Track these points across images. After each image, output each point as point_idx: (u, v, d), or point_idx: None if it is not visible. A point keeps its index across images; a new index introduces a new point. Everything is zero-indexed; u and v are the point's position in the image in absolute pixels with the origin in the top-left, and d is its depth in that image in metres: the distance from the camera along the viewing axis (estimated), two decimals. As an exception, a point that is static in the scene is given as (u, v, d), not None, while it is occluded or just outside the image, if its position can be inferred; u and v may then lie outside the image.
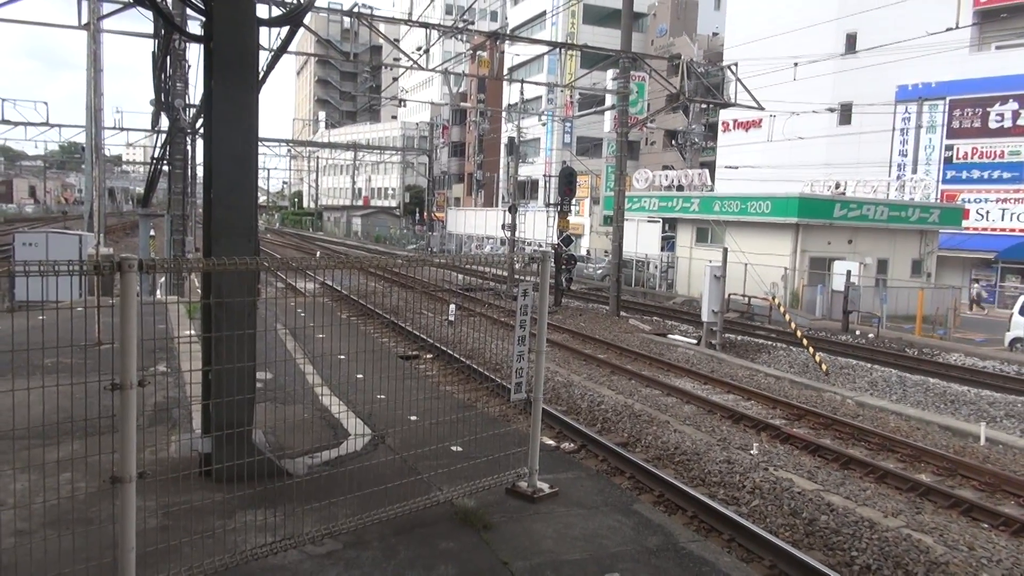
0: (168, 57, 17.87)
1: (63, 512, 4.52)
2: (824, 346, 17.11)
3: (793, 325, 16.72)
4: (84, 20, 15.73)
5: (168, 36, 16.42)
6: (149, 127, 28.79)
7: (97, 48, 16.21)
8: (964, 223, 30.17)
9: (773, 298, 19.67)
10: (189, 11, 13.35)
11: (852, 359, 16.27)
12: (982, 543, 6.82)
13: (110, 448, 3.45)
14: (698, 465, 8.54)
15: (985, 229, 32.09)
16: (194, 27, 19.49)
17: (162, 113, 19.83)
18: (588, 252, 39.12)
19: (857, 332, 19.79)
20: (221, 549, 4.01)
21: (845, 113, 36.93)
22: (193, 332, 9.35)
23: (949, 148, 33.43)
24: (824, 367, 14.79)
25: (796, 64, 24.92)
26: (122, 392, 3.33)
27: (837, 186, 29.06)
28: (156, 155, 20.99)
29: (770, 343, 18.06)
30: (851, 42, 36.84)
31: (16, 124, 36.20)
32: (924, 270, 28.11)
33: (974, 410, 12.39)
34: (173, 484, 4.70)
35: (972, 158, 32.72)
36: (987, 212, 32.21)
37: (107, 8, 16.66)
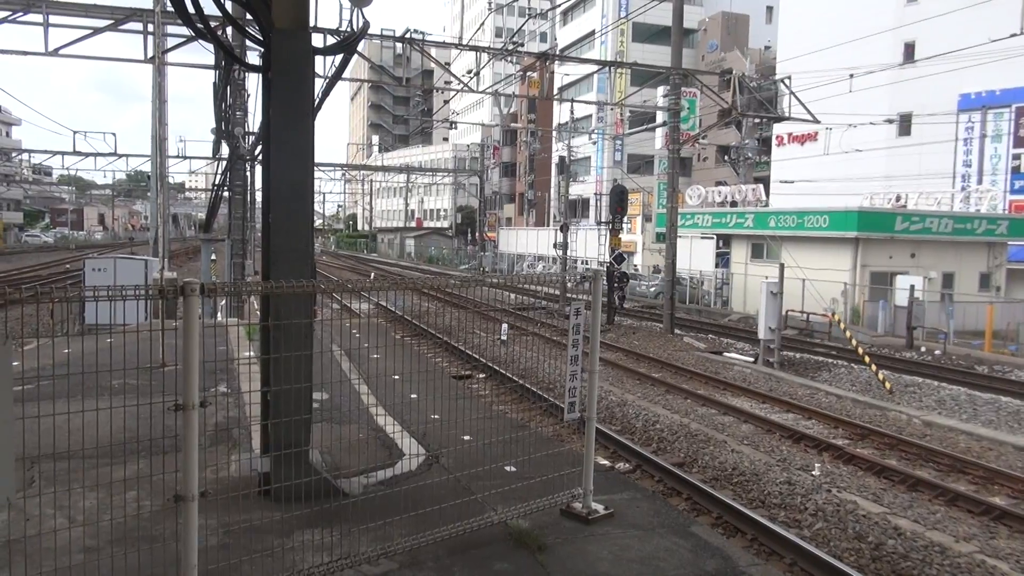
0: (228, 87, 18.48)
1: (129, 530, 4.65)
2: (887, 363, 16.58)
3: (854, 342, 16.26)
4: (150, 54, 16.40)
5: (228, 67, 17.01)
6: (210, 155, 29.78)
7: (162, 80, 16.87)
8: (1036, 234, 28.96)
9: (833, 314, 19.15)
10: (248, 42, 13.80)
11: (917, 377, 15.71)
12: (1063, 570, 6.48)
13: (173, 467, 3.55)
14: (757, 486, 8.34)
15: (1058, 240, 30.73)
16: (253, 58, 20.13)
17: (223, 141, 20.47)
18: (639, 269, 38.81)
19: (922, 349, 19.12)
20: (280, 568, 4.07)
21: (904, 124, 35.96)
22: (252, 353, 9.57)
23: (1016, 157, 32.21)
24: (888, 385, 14.32)
25: (852, 75, 24.43)
26: (185, 412, 3.42)
27: (898, 199, 28.28)
28: (217, 182, 21.65)
29: (830, 361, 17.58)
30: (909, 51, 35.94)
31: (87, 155, 37.89)
32: (993, 284, 27.05)
33: (1051, 430, 11.83)
34: (233, 503, 4.79)
35: (1042, 167, 31.48)
36: (1059, 223, 30.86)
37: (171, 42, 17.34)
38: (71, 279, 28.72)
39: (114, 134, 51.16)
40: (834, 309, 20.60)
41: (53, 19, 15.86)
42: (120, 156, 38.90)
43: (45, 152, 42.08)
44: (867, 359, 15.31)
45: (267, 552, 4.22)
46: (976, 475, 9.24)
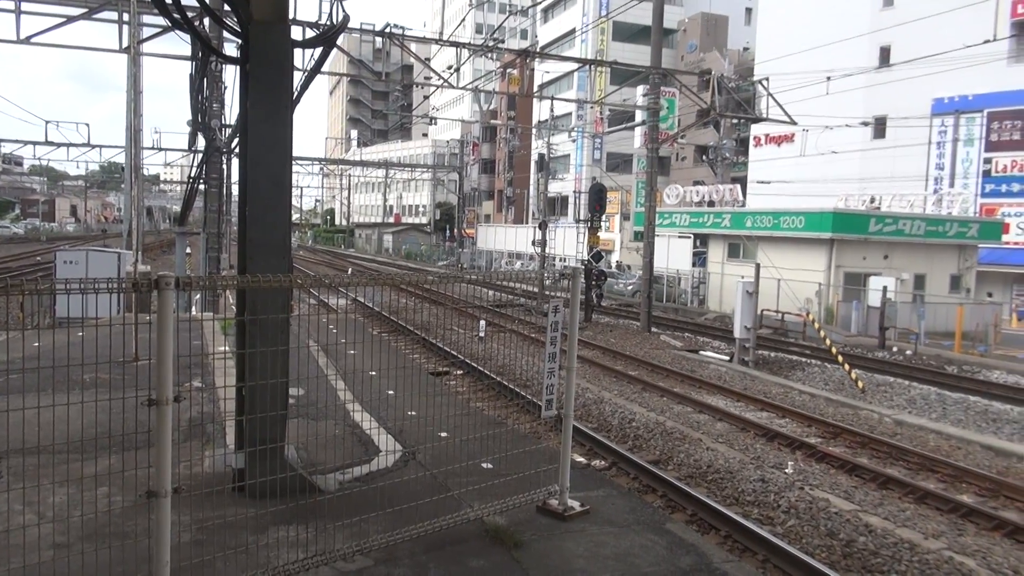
0: (205, 79, 18.24)
1: (100, 526, 4.59)
2: (860, 363, 16.81)
3: (828, 342, 16.46)
4: (125, 44, 16.16)
5: (205, 58, 16.78)
6: (186, 147, 29.45)
7: (137, 71, 16.64)
8: (1004, 237, 29.51)
9: (807, 314, 19.38)
10: (226, 34, 13.65)
11: (889, 376, 15.95)
12: (1028, 567, 6.61)
13: (146, 463, 3.50)
14: (732, 484, 8.42)
15: (1027, 243, 31.35)
16: (230, 49, 19.91)
17: (199, 133, 20.22)
18: (621, 266, 38.96)
19: (894, 349, 19.41)
20: (254, 564, 4.04)
21: (879, 127, 36.45)
22: (227, 348, 9.48)
23: (988, 161, 32.79)
24: (860, 384, 14.52)
25: (829, 78, 24.69)
26: (158, 407, 3.38)
27: (872, 201, 28.65)
28: (192, 174, 21.38)
29: (804, 360, 17.79)
30: (885, 55, 36.42)
31: (59, 145, 37.22)
32: (963, 285, 27.52)
33: (1017, 429, 12.05)
34: (207, 499, 4.75)
35: (1012, 171, 32.04)
36: (1028, 226, 31.47)
37: (147, 32, 17.10)
38: (42, 271, 28.23)
39: (87, 124, 50.53)
40: (808, 309, 20.85)
41: (25, 6, 15.60)
42: (93, 147, 38.26)
43: (16, 141, 41.20)
44: (840, 358, 15.51)
45: (241, 549, 4.18)
46: (945, 473, 9.40)
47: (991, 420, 12.57)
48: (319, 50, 6.90)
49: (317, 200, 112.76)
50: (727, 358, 17.41)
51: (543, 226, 29.01)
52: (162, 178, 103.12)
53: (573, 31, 55.73)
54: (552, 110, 41.55)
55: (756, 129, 41.32)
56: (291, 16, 5.74)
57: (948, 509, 8.09)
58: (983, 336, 21.13)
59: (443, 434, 6.93)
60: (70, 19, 16.04)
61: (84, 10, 16.03)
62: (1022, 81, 31.59)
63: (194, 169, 21.31)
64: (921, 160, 34.59)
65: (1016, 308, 30.61)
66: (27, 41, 15.73)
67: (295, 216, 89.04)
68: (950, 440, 11.10)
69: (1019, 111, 31.60)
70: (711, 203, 31.77)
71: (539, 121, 52.40)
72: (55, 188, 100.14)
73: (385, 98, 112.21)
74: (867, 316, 22.12)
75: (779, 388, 14.54)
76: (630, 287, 32.89)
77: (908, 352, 18.91)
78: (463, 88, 24.76)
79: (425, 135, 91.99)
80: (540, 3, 61.98)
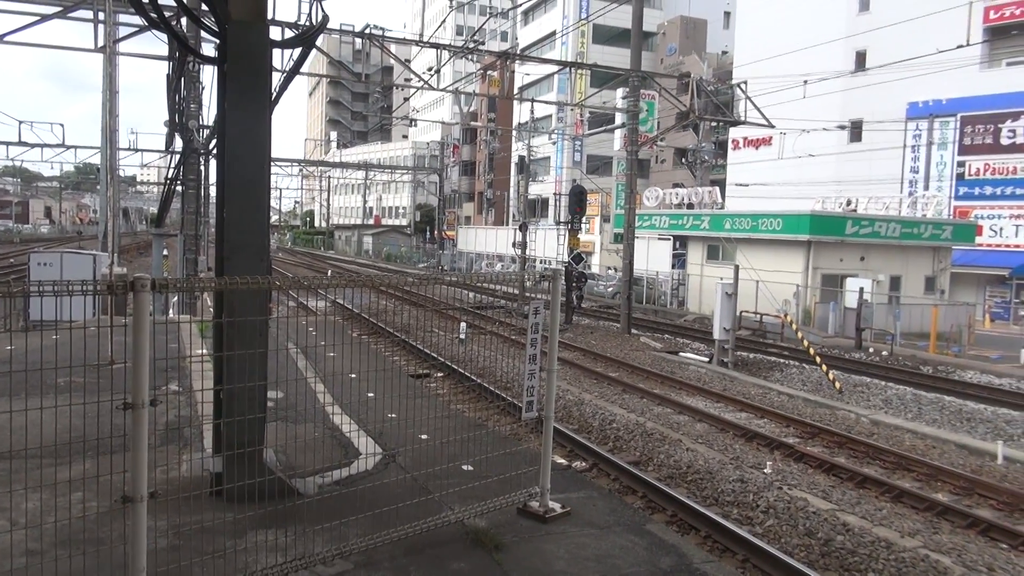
0: (182, 79, 18.07)
1: (74, 532, 4.52)
2: (837, 364, 16.98)
3: (806, 343, 16.61)
4: (100, 43, 15.95)
5: (183, 58, 16.61)
6: (163, 148, 29.11)
7: (113, 70, 16.43)
8: (977, 239, 30.00)
9: (785, 315, 19.55)
10: (204, 34, 13.52)
11: (866, 377, 16.13)
12: (1001, 564, 6.71)
13: (121, 467, 3.46)
14: (711, 484, 8.47)
15: (999, 245, 31.89)
16: (208, 49, 19.72)
17: (176, 134, 20.03)
18: (594, 268, 39.08)
19: (870, 350, 19.63)
20: (232, 569, 4.00)
21: (855, 130, 36.91)
22: (205, 351, 9.38)
23: (961, 165, 33.32)
24: (837, 385, 14.66)
25: (806, 82, 24.96)
26: (134, 411, 3.34)
27: (848, 203, 29.00)
28: (170, 175, 21.16)
29: (783, 361, 17.94)
30: (860, 60, 36.89)
31: (33, 146, 36.56)
32: (938, 287, 27.91)
33: (991, 428, 12.24)
34: (184, 504, 4.69)
35: (984, 174, 32.59)
36: (1000, 228, 32.02)
37: (123, 31, 16.89)
38: (15, 274, 27.80)
39: (62, 125, 49.54)
40: (786, 310, 21.02)
41: (-2, 4, 15.33)
42: (68, 148, 37.59)
43: (-12, 142, 40.51)
44: (818, 359, 15.66)
45: (219, 554, 4.14)
46: (920, 472, 9.52)
47: (965, 419, 12.76)
48: (298, 51, 6.86)
49: (296, 202, 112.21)
50: (706, 359, 17.52)
51: (523, 228, 29.02)
52: (139, 179, 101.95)
53: (553, 34, 55.86)
54: (532, 112, 41.59)
55: (734, 132, 41.65)
56: (270, 16, 5.69)
57: (924, 508, 8.20)
58: (957, 337, 21.44)
59: (423, 436, 6.90)
60: (44, 18, 15.79)
61: (59, 8, 15.80)
62: (994, 86, 32.16)
63: (171, 170, 21.10)
64: (896, 163, 35.08)
65: (989, 309, 31.13)
66: (0, 40, 15.48)
67: (274, 218, 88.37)
68: (925, 439, 11.24)
69: (991, 115, 32.15)
70: (690, 205, 31.98)
71: (519, 123, 52.44)
72: (29, 189, 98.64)
73: (365, 99, 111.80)
74: (844, 317, 22.37)
75: (758, 389, 14.65)
76: (610, 289, 33.00)
77: (884, 353, 19.13)
78: (443, 90, 24.73)
79: (405, 137, 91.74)
80: (520, 6, 62.06)
